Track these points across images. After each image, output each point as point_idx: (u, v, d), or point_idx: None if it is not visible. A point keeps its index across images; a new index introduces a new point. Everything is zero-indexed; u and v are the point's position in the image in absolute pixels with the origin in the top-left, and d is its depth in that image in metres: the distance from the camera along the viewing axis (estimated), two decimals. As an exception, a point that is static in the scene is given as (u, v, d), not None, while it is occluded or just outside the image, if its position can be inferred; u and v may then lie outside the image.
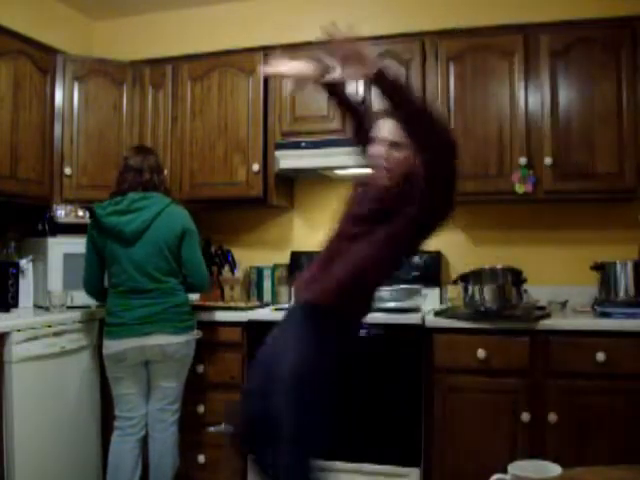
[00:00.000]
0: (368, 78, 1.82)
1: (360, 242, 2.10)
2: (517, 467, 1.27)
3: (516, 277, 2.81)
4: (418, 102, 1.90)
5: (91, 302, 3.06)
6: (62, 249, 3.16)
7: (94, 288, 2.93)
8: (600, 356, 2.58)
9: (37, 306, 3.25)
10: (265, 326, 3.01)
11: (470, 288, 2.84)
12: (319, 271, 2.15)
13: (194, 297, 3.34)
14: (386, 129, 2.14)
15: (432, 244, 3.41)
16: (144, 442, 2.86)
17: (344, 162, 3.21)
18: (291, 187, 3.69)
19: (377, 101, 3.00)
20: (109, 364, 2.82)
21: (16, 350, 2.65)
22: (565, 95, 2.99)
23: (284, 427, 1.98)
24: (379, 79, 1.81)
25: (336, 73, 2.01)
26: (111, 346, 2.77)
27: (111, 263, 2.81)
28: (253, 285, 3.57)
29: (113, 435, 2.84)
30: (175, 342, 2.77)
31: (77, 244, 3.03)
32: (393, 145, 2.12)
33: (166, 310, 2.77)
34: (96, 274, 2.88)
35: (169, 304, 2.78)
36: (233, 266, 3.51)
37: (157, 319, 2.75)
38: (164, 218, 2.80)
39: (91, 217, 2.86)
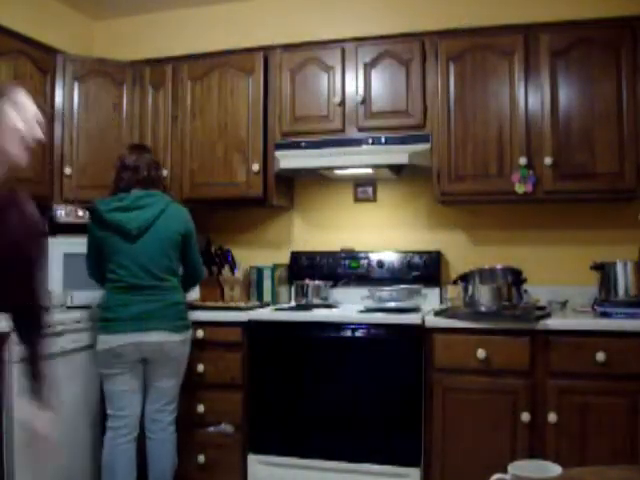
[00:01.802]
0: None
1: None
2: (517, 467, 1.27)
3: (516, 277, 2.81)
4: None
5: (91, 302, 3.06)
6: (62, 249, 3.16)
7: (97, 277, 2.93)
8: (600, 356, 2.57)
9: (37, 306, 3.24)
10: (265, 326, 3.05)
11: (470, 288, 2.85)
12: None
13: (195, 296, 3.34)
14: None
15: (432, 244, 3.46)
16: (138, 442, 2.83)
17: (344, 162, 3.22)
18: (291, 187, 3.69)
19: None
20: (104, 359, 2.78)
21: (16, 350, 2.65)
22: (565, 95, 2.99)
23: None
24: None
25: None
26: (108, 341, 2.75)
27: (110, 259, 2.80)
28: (253, 285, 3.57)
29: (106, 436, 2.80)
30: (173, 340, 2.77)
31: (77, 244, 3.03)
32: None
33: (165, 308, 2.77)
34: (98, 267, 2.88)
35: (168, 302, 2.79)
36: (233, 266, 3.52)
37: (156, 316, 2.75)
38: (167, 216, 2.82)
39: (92, 212, 2.87)
